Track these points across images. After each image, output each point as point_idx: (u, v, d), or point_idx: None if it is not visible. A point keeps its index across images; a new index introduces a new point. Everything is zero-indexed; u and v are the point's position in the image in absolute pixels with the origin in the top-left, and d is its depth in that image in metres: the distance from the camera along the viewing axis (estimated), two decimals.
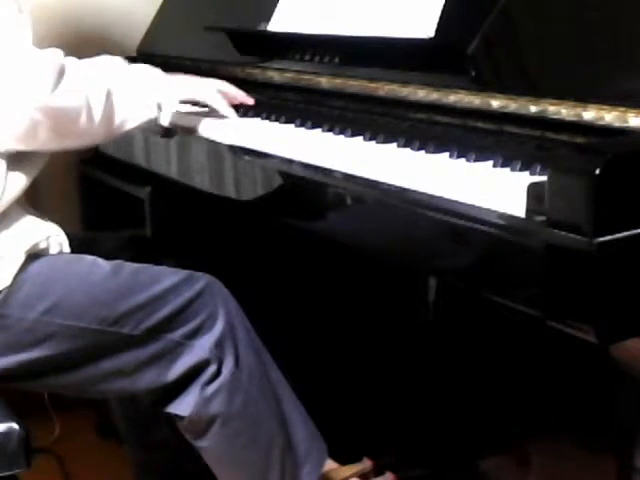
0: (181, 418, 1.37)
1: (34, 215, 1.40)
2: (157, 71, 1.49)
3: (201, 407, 1.35)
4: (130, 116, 1.41)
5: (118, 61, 1.45)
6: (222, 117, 1.59)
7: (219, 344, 1.36)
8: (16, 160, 1.35)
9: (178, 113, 1.59)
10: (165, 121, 1.49)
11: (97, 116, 1.35)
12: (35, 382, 1.39)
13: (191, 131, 1.61)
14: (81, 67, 1.36)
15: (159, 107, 1.45)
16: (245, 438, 1.39)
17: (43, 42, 1.33)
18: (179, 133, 1.66)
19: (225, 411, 1.36)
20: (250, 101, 1.62)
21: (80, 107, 1.33)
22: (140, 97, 1.43)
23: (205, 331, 1.36)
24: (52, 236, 1.39)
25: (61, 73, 1.30)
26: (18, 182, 1.35)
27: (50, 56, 1.31)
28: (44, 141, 1.32)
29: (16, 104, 1.26)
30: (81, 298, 1.34)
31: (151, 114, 1.44)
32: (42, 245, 1.37)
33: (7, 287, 1.31)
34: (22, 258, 1.33)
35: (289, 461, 1.42)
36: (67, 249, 1.41)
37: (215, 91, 1.58)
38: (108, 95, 1.37)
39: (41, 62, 1.28)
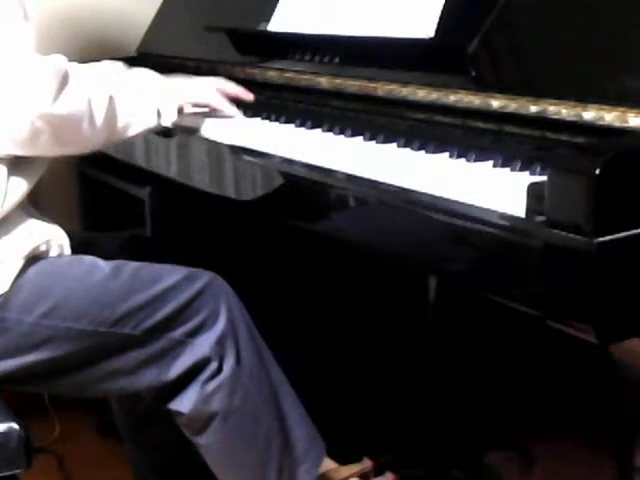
0: (181, 414, 1.37)
1: (35, 217, 1.39)
2: (156, 76, 1.48)
3: (201, 404, 1.35)
4: (133, 122, 1.40)
5: (119, 66, 1.44)
6: (224, 116, 1.58)
7: (220, 342, 1.36)
8: (17, 166, 1.34)
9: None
10: (167, 123, 1.48)
11: (99, 122, 1.34)
12: (35, 385, 1.40)
13: (191, 131, 1.61)
14: (83, 73, 1.34)
15: (158, 114, 1.44)
16: (244, 435, 1.39)
17: (43, 43, 1.33)
18: (179, 133, 1.66)
19: (225, 408, 1.36)
20: (250, 96, 1.62)
21: (82, 114, 1.32)
22: (142, 103, 1.41)
23: (206, 329, 1.36)
24: (53, 239, 1.38)
25: (64, 81, 1.29)
26: (19, 188, 1.35)
27: (53, 64, 1.29)
28: (44, 148, 1.32)
29: (18, 111, 1.25)
30: (81, 300, 1.33)
31: (152, 121, 1.43)
32: (42, 248, 1.37)
33: (6, 292, 1.31)
34: (21, 263, 1.33)
35: (287, 459, 1.42)
36: (68, 251, 1.40)
37: (215, 91, 1.57)
38: (110, 101, 1.35)
39: (44, 70, 1.27)
